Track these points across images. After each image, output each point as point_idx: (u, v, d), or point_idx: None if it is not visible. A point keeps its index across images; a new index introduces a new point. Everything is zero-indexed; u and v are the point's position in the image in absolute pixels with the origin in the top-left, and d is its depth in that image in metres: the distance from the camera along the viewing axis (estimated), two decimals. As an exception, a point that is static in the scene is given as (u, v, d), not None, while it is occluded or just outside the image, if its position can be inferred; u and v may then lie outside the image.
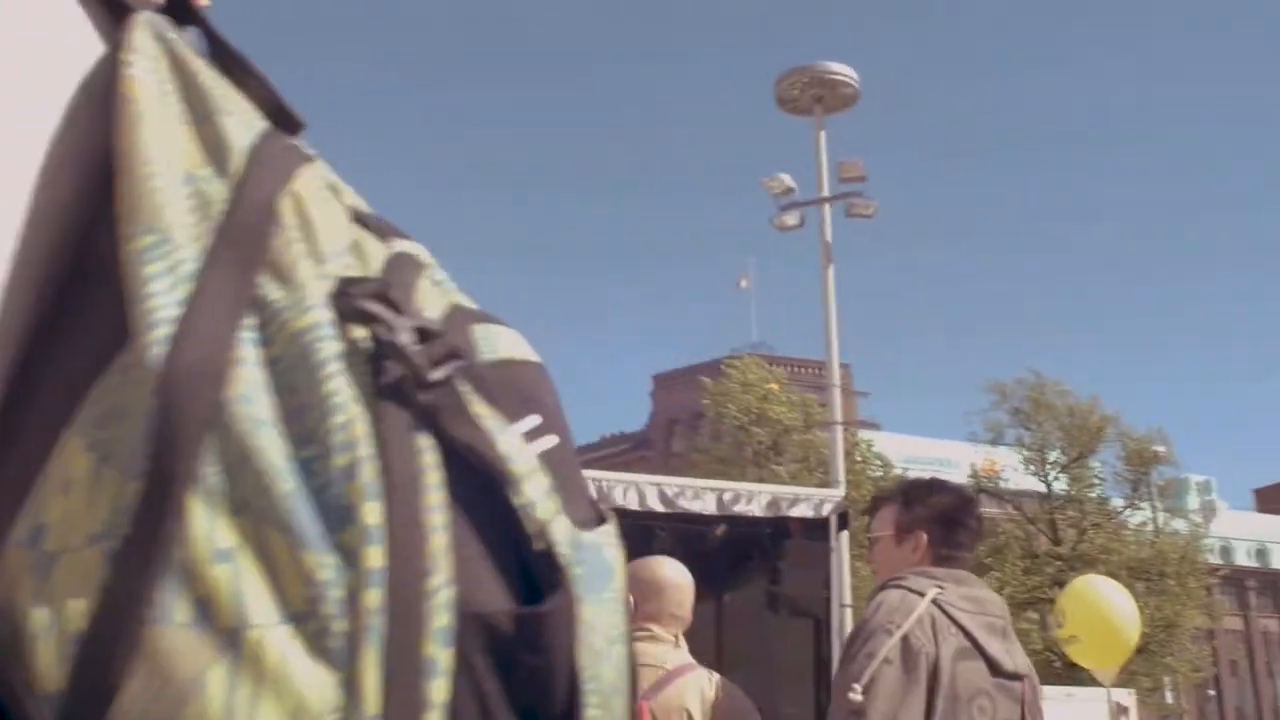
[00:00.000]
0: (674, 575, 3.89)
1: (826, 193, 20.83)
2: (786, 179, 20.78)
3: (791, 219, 20.91)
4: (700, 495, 10.45)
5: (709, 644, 12.03)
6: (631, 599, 3.73)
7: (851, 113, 21.51)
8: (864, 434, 42.46)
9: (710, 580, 12.16)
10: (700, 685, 3.59)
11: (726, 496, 10.53)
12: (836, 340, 20.03)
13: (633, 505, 10.08)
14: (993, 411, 42.12)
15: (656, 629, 3.69)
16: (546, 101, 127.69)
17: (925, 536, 3.59)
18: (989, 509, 44.12)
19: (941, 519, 3.61)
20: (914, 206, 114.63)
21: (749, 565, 11.08)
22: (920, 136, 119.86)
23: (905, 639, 3.20)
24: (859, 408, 56.73)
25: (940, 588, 3.39)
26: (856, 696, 3.11)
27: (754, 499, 10.49)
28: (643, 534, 11.30)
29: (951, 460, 52.18)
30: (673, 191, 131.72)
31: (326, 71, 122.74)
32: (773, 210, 21.06)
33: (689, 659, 3.72)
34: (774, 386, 36.76)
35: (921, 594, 3.35)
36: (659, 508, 10.32)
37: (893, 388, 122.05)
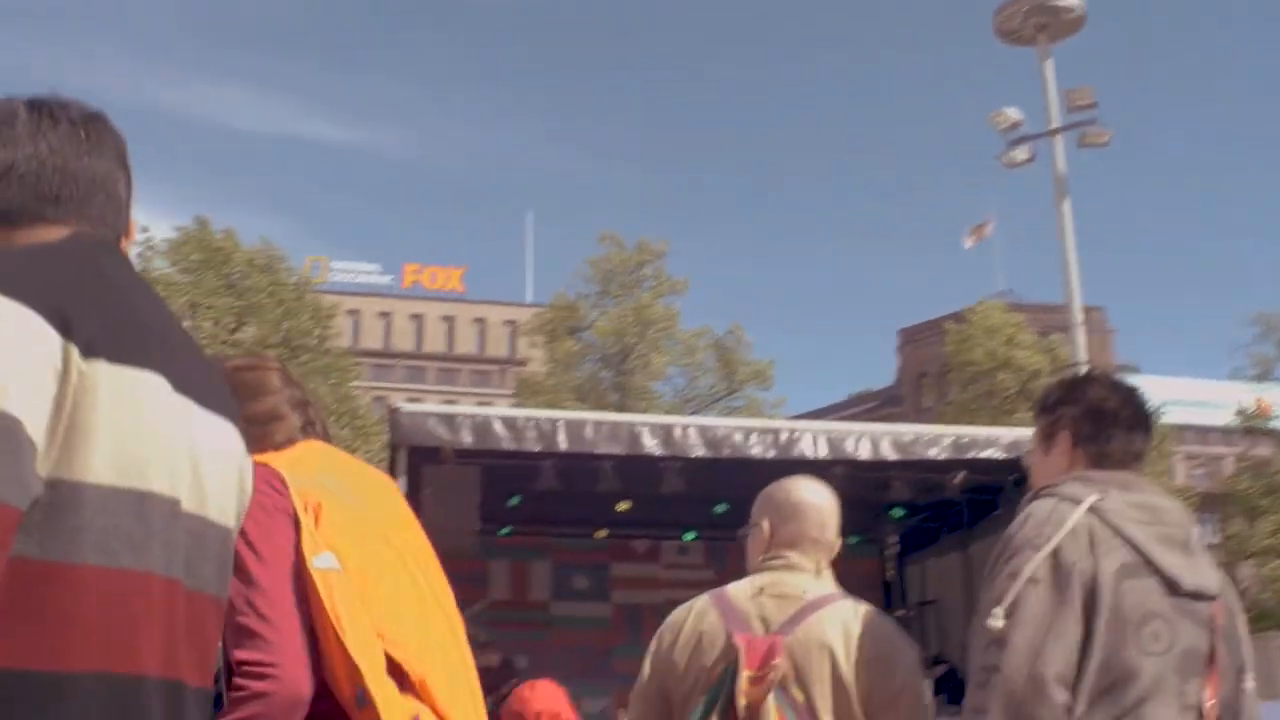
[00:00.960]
0: (813, 495, 3.40)
1: (1057, 124, 19.96)
2: (1013, 113, 20.01)
3: (1021, 154, 20.13)
4: (936, 441, 10.11)
5: (957, 590, 11.74)
6: (768, 525, 3.35)
7: (1077, 39, 20.58)
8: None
9: (953, 528, 11.85)
10: (844, 618, 3.12)
11: (964, 441, 10.16)
12: (1076, 276, 19.21)
13: (864, 455, 9.84)
14: (1258, 345, 40.06)
15: (794, 556, 3.29)
16: (767, 59, 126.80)
17: (1070, 436, 3.04)
18: (1262, 450, 41.96)
19: (1090, 414, 3.04)
20: (1153, 138, 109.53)
21: (993, 513, 10.71)
22: (1155, 63, 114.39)
23: (1055, 554, 2.71)
24: (1116, 351, 54.65)
25: (1100, 493, 2.84)
26: (997, 623, 2.66)
27: (994, 443, 10.09)
28: (876, 485, 11.07)
29: (1216, 401, 50.02)
30: (898, 141, 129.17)
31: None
32: (1001, 147, 20.31)
33: (833, 588, 3.26)
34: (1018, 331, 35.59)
35: (1076, 501, 2.82)
36: (893, 456, 10.04)
37: (1153, 329, 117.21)
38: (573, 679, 8.50)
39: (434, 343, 77.34)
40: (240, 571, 2.02)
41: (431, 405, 11.00)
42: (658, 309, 35.57)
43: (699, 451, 9.74)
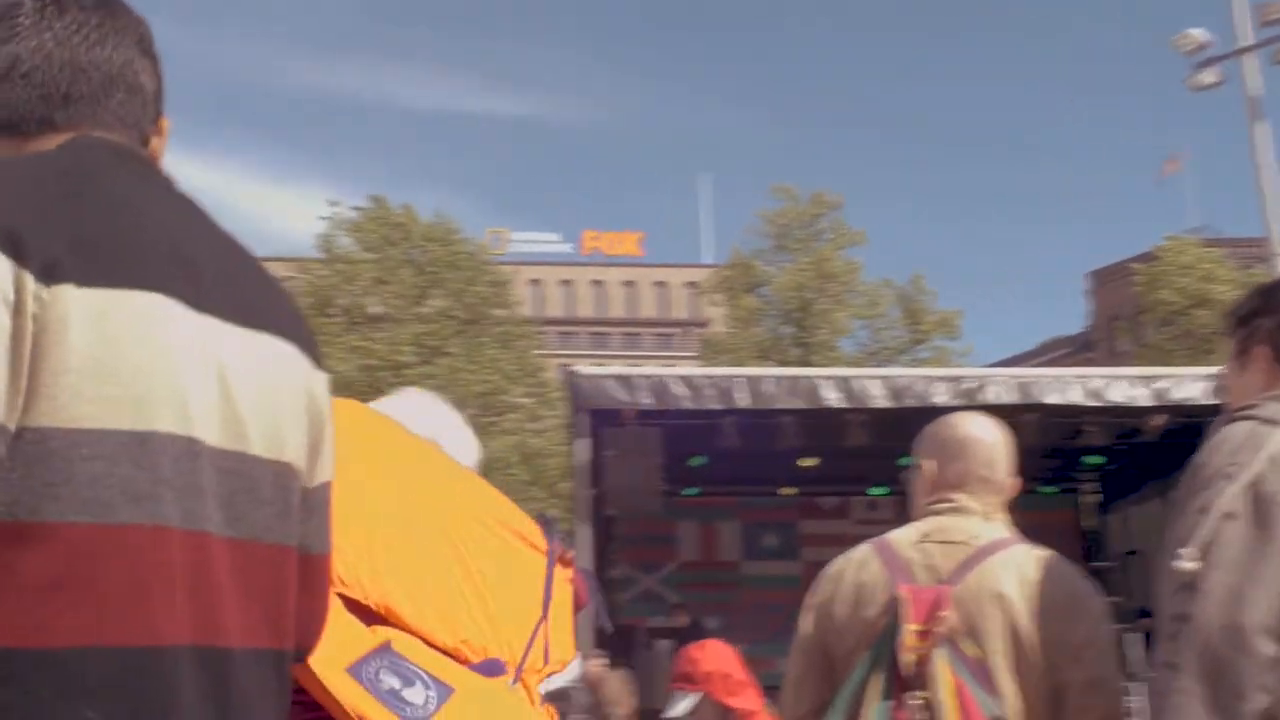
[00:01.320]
0: (979, 430, 3.08)
1: (1247, 42, 18.99)
2: (1199, 34, 19.10)
3: (1210, 77, 19.21)
4: (1131, 383, 9.72)
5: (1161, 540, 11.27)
6: (931, 465, 3.02)
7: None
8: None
9: (1155, 475, 11.40)
10: (1019, 564, 2.82)
11: (1160, 382, 9.75)
12: (1275, 204, 18.26)
13: (1054, 400, 9.53)
14: None
15: (961, 498, 2.98)
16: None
17: (1269, 350, 2.62)
18: None
19: None
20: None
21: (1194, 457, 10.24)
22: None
23: (1253, 484, 2.32)
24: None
25: None
26: (1187, 565, 2.29)
27: (1194, 383, 9.65)
28: (1069, 432, 10.71)
29: None
30: (1080, 77, 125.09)
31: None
32: (1187, 72, 19.43)
33: (1005, 533, 2.95)
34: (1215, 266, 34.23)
35: (1277, 424, 2.42)
36: (1086, 401, 9.69)
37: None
38: (764, 639, 8.43)
39: (616, 308, 77.95)
40: None
41: (610, 367, 11.01)
42: (837, 262, 35.12)
43: (881, 402, 9.57)
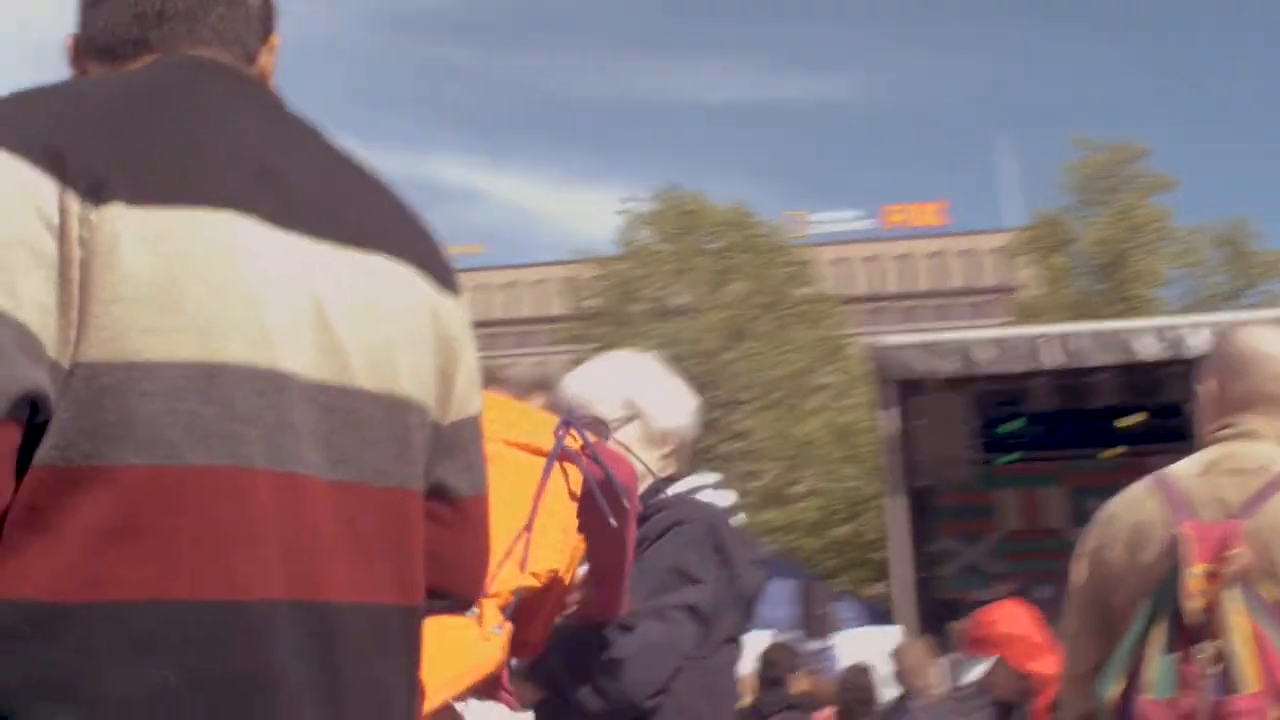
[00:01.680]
0: (1266, 343, 2.72)
1: None
2: None
3: None
4: None
5: None
6: (1214, 386, 2.69)
7: None
8: None
9: None
10: None
11: None
12: None
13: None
14: None
15: (1250, 420, 2.64)
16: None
17: None
18: None
19: None
20: None
21: None
22: None
23: None
24: None
25: None
26: None
27: None
28: None
29: None
30: None
31: None
32: None
33: None
34: None
35: None
36: None
37: None
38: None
39: (924, 280, 76.46)
40: None
41: (910, 336, 10.79)
42: (1147, 210, 33.38)
43: (1201, 352, 9.03)
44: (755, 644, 8.53)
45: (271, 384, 1.25)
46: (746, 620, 2.65)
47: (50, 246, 1.15)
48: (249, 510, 1.22)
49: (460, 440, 1.49)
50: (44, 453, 1.15)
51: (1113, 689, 2.48)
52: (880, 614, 14.71)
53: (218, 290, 1.22)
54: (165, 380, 1.18)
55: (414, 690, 1.43)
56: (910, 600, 10.95)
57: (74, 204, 1.17)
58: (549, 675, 2.45)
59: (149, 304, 1.18)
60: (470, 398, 1.51)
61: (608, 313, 32.38)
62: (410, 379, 1.39)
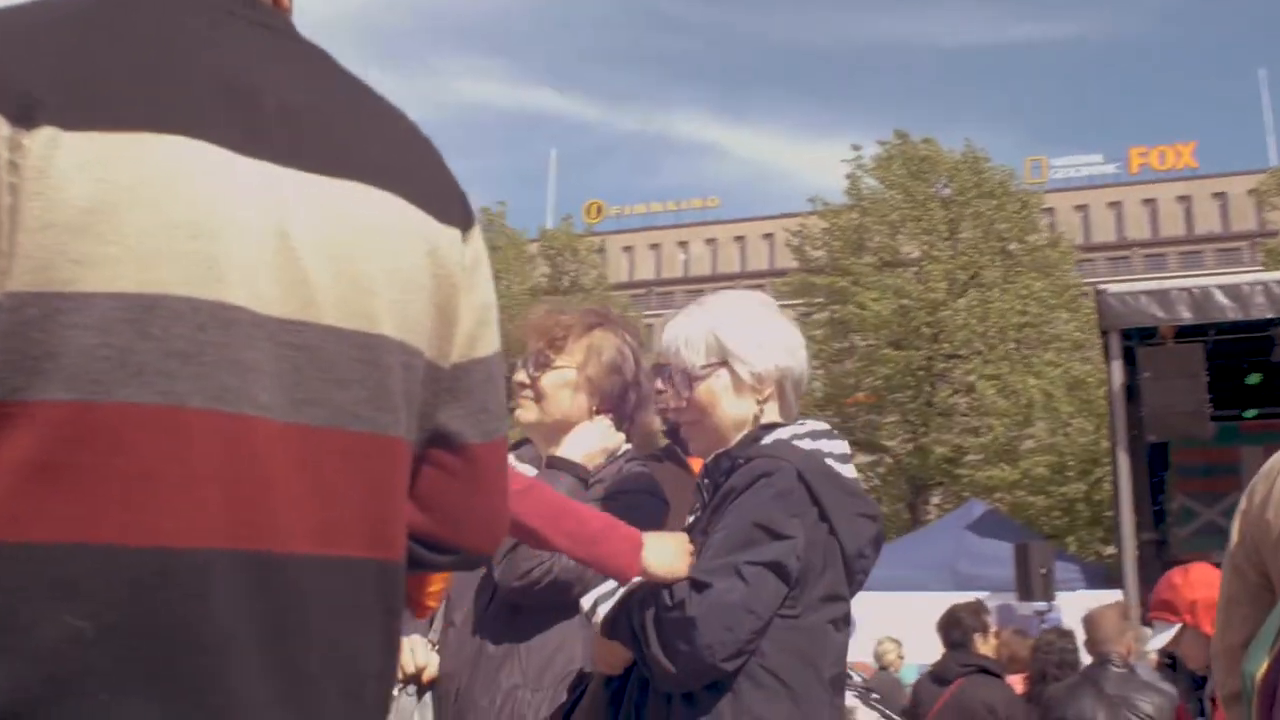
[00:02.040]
0: None
1: None
2: None
3: None
4: None
5: None
6: None
7: None
8: None
9: None
10: None
11: None
12: None
13: None
14: None
15: None
16: None
17: None
18: None
19: None
20: None
21: None
22: None
23: None
24: None
25: None
26: None
27: None
28: None
29: None
30: None
31: None
32: None
33: None
34: None
35: None
36: None
37: None
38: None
39: (1171, 226, 73.24)
40: None
41: (1141, 283, 10.17)
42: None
43: None
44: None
45: (217, 319, 1.16)
46: (851, 578, 2.42)
47: None
48: (183, 452, 1.14)
49: (467, 383, 1.40)
50: None
51: (1259, 665, 2.16)
52: (1108, 576, 14.06)
53: (160, 219, 1.14)
54: (97, 313, 1.11)
55: (389, 651, 1.33)
56: (1137, 561, 10.45)
57: (4, 128, 1.11)
58: (631, 636, 2.31)
59: (83, 233, 1.11)
60: (480, 339, 1.41)
61: (834, 265, 31.80)
62: (392, 317, 1.29)
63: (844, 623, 2.42)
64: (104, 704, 1.08)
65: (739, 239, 69.69)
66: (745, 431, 2.48)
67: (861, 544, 2.42)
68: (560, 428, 2.86)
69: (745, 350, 2.48)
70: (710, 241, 69.77)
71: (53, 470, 1.10)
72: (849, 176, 32.23)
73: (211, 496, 1.14)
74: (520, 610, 2.73)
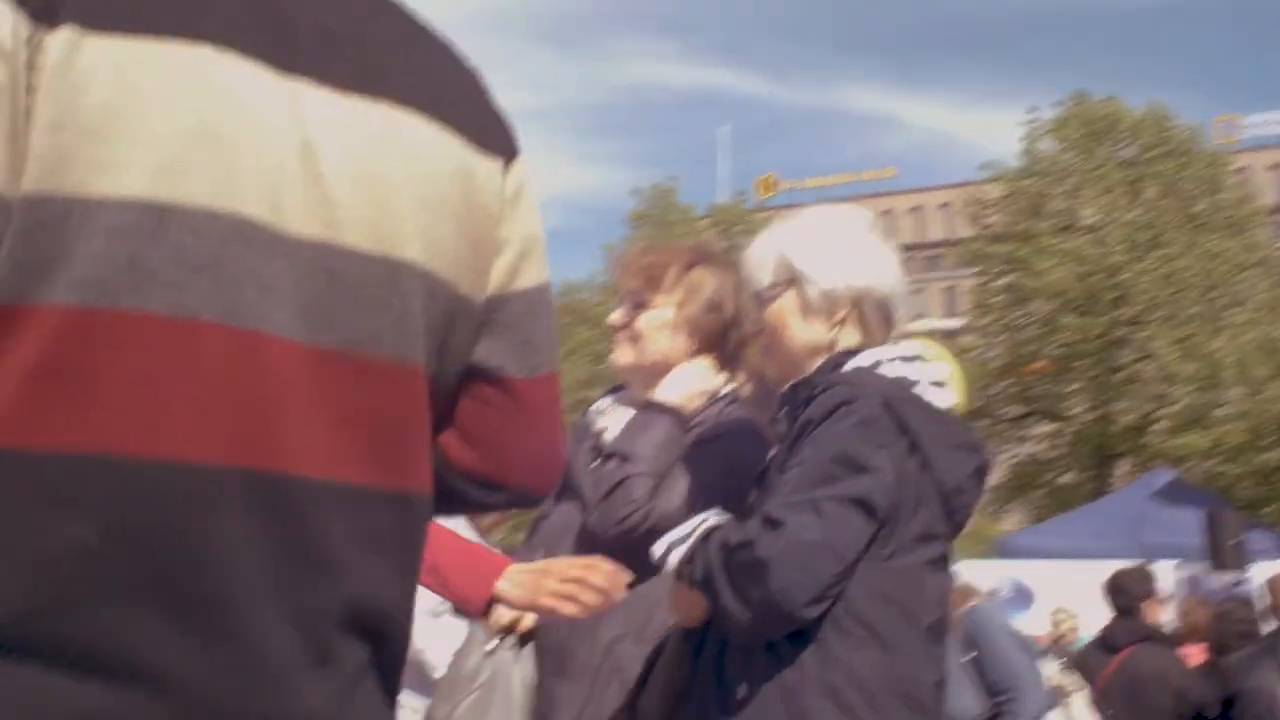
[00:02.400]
0: None
1: None
2: None
3: None
4: None
5: None
6: None
7: None
8: None
9: None
10: None
11: None
12: None
13: None
14: None
15: None
16: None
17: None
18: None
19: None
20: None
21: None
22: None
23: None
24: None
25: None
26: None
27: None
28: None
29: None
30: None
31: None
32: None
33: None
34: None
35: None
36: None
37: None
38: None
39: (1375, 183, 69.70)
40: None
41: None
42: None
43: None
44: (1161, 574, 7.82)
45: (235, 232, 1.13)
46: (950, 516, 2.22)
47: None
48: (190, 365, 1.11)
49: (507, 316, 1.36)
50: None
51: None
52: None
53: (180, 127, 1.12)
54: (108, 218, 1.09)
55: (404, 587, 1.27)
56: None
57: (24, 28, 1.08)
58: (705, 583, 2.15)
59: (98, 136, 1.09)
60: (522, 271, 1.37)
61: (1012, 231, 30.91)
62: (419, 243, 1.25)
63: (942, 565, 2.22)
64: (111, 617, 1.06)
65: (915, 210, 68.55)
66: (822, 358, 2.29)
67: (960, 478, 2.21)
68: (658, 370, 2.71)
69: (813, 269, 2.30)
70: (886, 213, 68.67)
71: (55, 376, 1.08)
72: (1024, 140, 31.32)
73: (219, 412, 1.12)
74: (620, 558, 2.63)
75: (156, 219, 1.10)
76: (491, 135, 1.34)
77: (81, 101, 1.09)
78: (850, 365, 2.25)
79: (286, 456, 1.14)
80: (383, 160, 1.23)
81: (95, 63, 1.09)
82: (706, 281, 2.73)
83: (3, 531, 1.06)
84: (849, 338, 2.31)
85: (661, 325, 2.72)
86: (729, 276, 2.75)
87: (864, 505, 2.08)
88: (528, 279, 1.37)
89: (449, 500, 1.39)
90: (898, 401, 2.15)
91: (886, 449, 2.11)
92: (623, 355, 2.78)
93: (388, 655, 1.24)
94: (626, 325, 2.75)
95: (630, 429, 2.63)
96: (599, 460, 2.64)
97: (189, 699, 1.08)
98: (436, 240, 1.27)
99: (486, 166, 1.32)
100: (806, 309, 2.31)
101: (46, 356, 1.07)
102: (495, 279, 1.34)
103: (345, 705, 1.17)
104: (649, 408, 2.67)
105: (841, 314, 2.31)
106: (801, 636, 2.09)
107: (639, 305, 2.74)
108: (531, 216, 1.39)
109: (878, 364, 2.24)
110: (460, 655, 2.74)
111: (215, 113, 1.14)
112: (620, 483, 2.53)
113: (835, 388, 2.17)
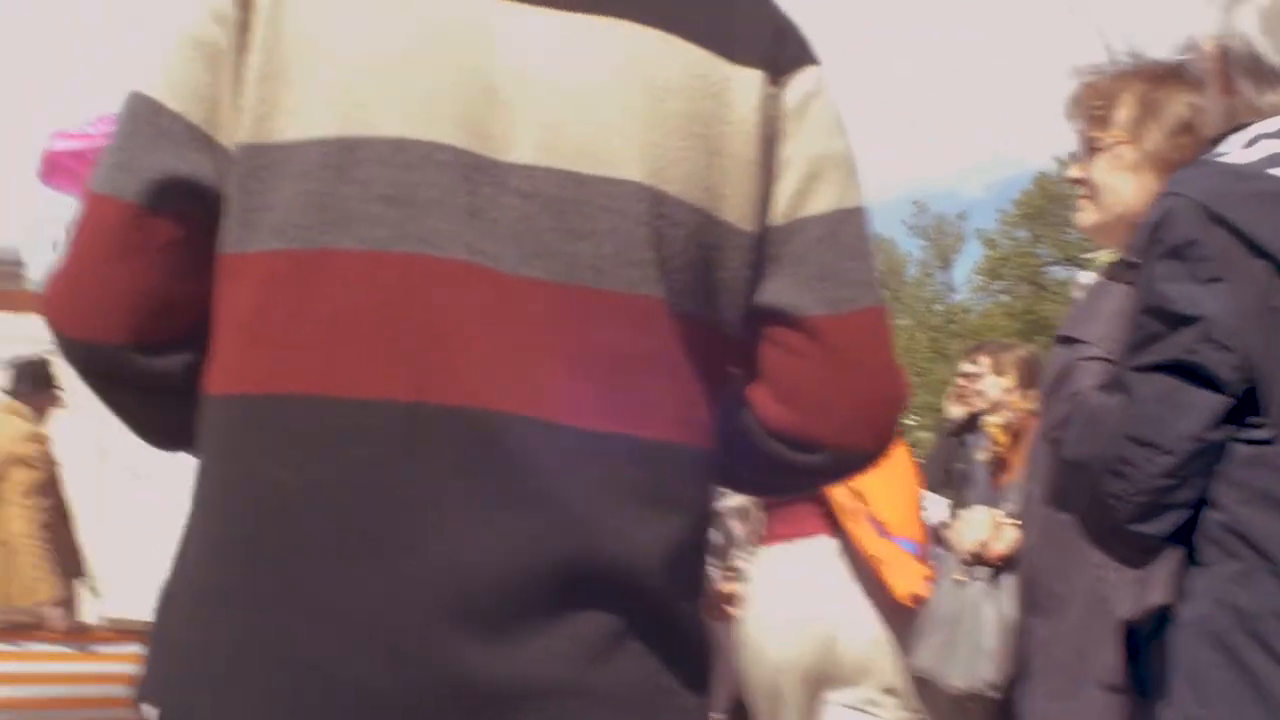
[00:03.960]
0: None
1: None
2: None
3: None
4: None
5: None
6: None
7: None
8: None
9: None
10: None
11: None
12: None
13: None
14: None
15: None
16: None
17: None
18: None
19: None
20: None
21: None
22: None
23: None
24: None
25: None
26: None
27: None
28: None
29: None
30: None
31: None
32: None
33: None
34: None
35: None
36: None
37: None
38: None
39: None
40: None
41: None
42: None
43: None
44: None
45: (428, 160, 1.08)
46: None
47: (214, 34, 1.12)
48: (382, 299, 1.07)
49: (795, 248, 1.20)
50: (224, 240, 1.14)
51: None
52: None
53: (374, 57, 1.10)
54: (301, 160, 1.09)
55: (663, 546, 1.12)
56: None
57: None
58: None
59: (293, 80, 1.10)
60: (812, 194, 1.20)
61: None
62: (646, 163, 1.13)
63: None
64: (312, 564, 1.06)
65: None
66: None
67: None
68: (1126, 225, 2.06)
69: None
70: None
71: (261, 320, 1.09)
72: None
73: (415, 348, 1.07)
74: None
75: (346, 154, 1.08)
76: (751, 46, 1.20)
77: (284, 45, 1.11)
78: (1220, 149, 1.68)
79: (492, 394, 1.07)
80: (604, 77, 1.13)
81: (296, 11, 1.11)
82: (1170, 102, 2.17)
83: (229, 475, 1.09)
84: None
85: (1118, 169, 2.19)
86: (1198, 93, 2.03)
87: (1185, 370, 1.54)
88: (821, 203, 1.21)
89: (768, 469, 1.26)
90: (1228, 202, 1.55)
91: (1220, 281, 1.53)
92: (1086, 216, 2.26)
93: (644, 617, 1.10)
94: (1082, 180, 2.25)
95: None
96: None
97: (385, 643, 1.04)
98: (672, 161, 1.14)
99: (744, 79, 1.18)
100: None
101: (255, 305, 1.09)
102: (778, 205, 1.20)
103: (590, 668, 1.07)
104: (1112, 275, 2.09)
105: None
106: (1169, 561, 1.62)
107: (1089, 150, 2.24)
108: (824, 133, 1.22)
109: (1226, 153, 1.66)
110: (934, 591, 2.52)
111: (413, 40, 1.10)
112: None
113: (1160, 198, 1.65)
